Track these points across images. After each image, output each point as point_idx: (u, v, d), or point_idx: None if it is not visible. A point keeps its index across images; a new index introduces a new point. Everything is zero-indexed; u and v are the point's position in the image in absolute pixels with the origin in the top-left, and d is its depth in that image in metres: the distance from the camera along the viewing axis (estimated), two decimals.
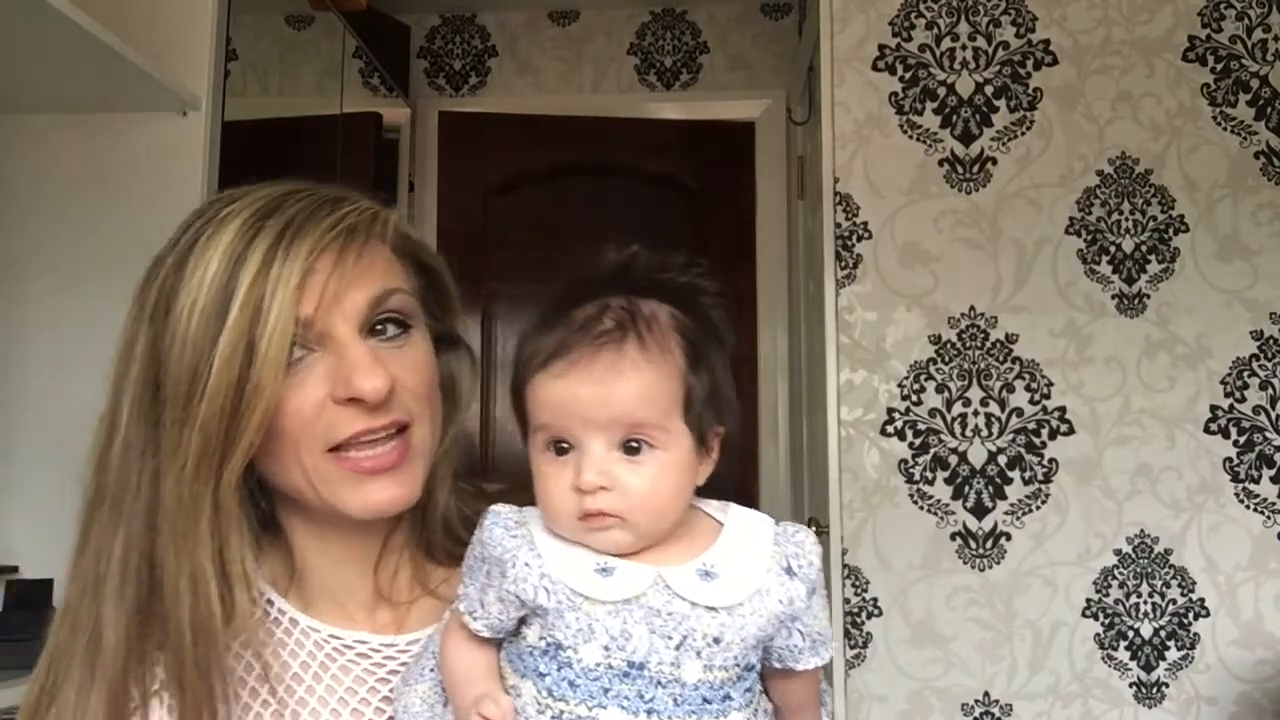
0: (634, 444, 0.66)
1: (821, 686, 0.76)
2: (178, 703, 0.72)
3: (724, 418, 0.70)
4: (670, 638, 0.64)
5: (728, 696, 0.65)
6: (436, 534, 0.83)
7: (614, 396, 0.65)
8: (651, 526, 0.67)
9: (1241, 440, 2.14)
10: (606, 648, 0.64)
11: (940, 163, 2.25)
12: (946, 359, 2.20)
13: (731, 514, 0.71)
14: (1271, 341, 2.16)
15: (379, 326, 0.75)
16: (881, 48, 2.29)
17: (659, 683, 0.64)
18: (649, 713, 0.63)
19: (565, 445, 0.67)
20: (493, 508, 0.70)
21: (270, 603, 0.79)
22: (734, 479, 0.75)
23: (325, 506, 0.75)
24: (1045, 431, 2.17)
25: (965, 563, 2.15)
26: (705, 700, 0.64)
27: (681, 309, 0.69)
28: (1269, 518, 2.13)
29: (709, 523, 0.71)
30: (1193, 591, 2.12)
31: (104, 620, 0.72)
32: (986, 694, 2.12)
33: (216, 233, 0.72)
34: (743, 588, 0.66)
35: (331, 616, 0.80)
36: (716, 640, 0.65)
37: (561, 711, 0.64)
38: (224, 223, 0.72)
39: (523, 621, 0.68)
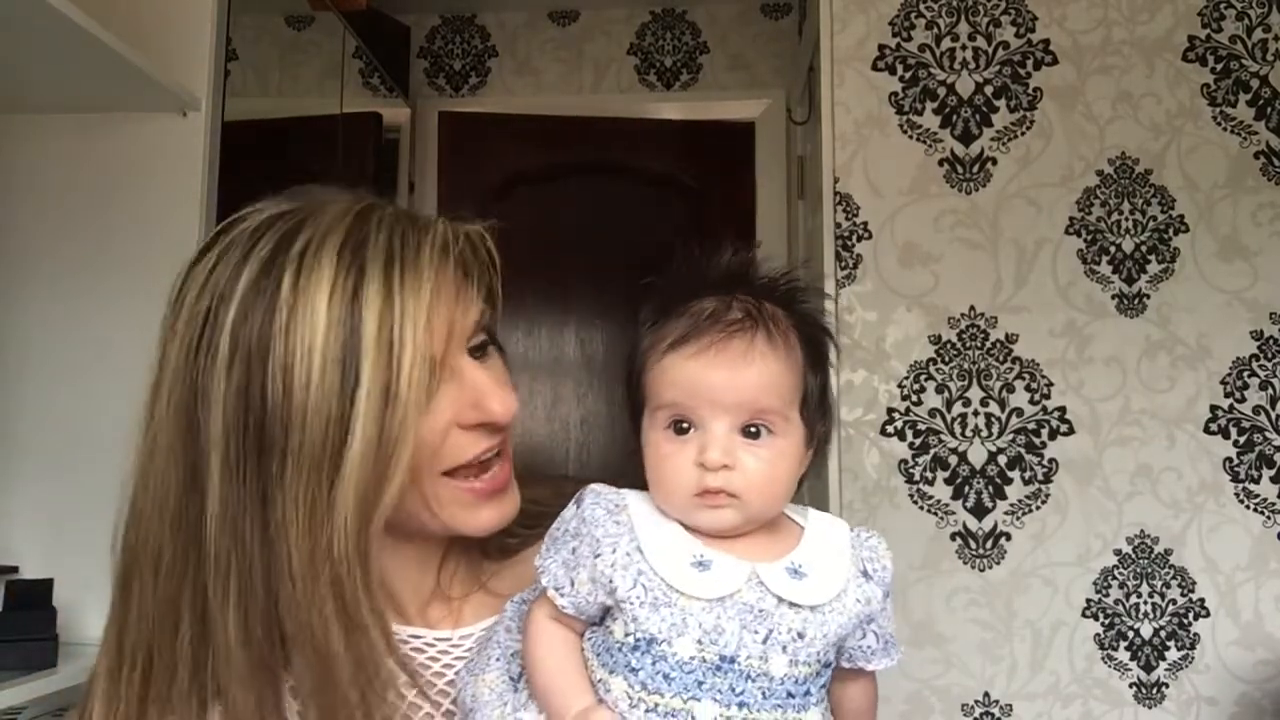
0: (754, 429, 0.69)
1: None
2: None
3: (828, 420, 0.75)
4: (758, 632, 0.66)
5: (808, 692, 0.68)
6: None
7: (744, 381, 0.68)
8: (762, 509, 0.70)
9: (1241, 440, 2.14)
10: (700, 641, 0.65)
11: (940, 163, 2.25)
12: (946, 359, 2.20)
13: (811, 517, 0.74)
14: (1271, 341, 2.16)
15: (479, 346, 0.76)
16: (881, 48, 2.29)
17: (749, 676, 0.65)
18: (740, 705, 0.65)
19: (686, 425, 0.70)
20: (592, 486, 0.72)
21: None
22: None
23: (443, 528, 0.76)
24: (1045, 431, 2.17)
25: (965, 563, 2.15)
26: (789, 694, 0.67)
27: (795, 314, 0.73)
28: (1269, 518, 2.12)
29: (790, 523, 0.74)
30: (1193, 592, 2.12)
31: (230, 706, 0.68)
32: (986, 694, 2.12)
33: (312, 270, 0.67)
34: (829, 587, 0.69)
35: (401, 620, 0.80)
36: (800, 635, 0.67)
37: (656, 704, 0.65)
38: (316, 258, 0.68)
39: (606, 613, 0.69)
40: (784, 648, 0.66)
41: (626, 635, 0.67)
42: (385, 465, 0.67)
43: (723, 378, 0.68)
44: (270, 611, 0.67)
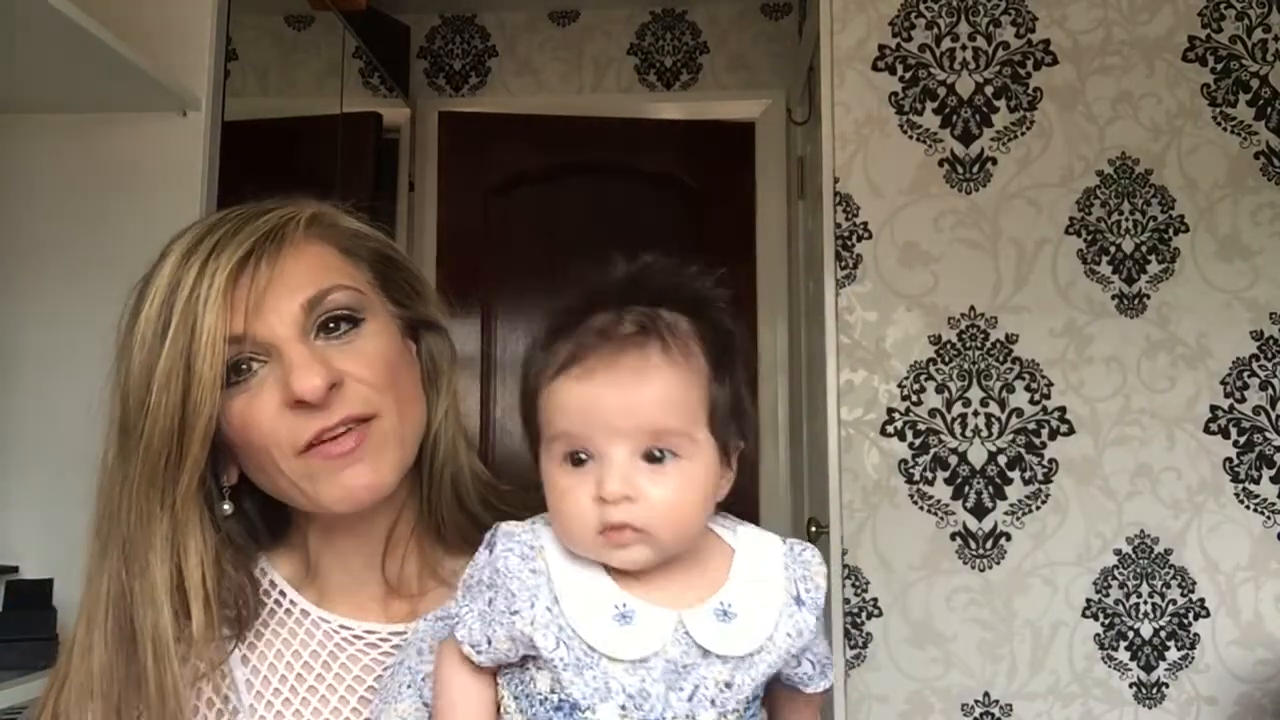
0: (658, 453, 0.63)
1: None
2: None
3: (745, 431, 0.68)
4: (683, 689, 0.62)
5: None
6: (446, 518, 0.84)
7: (639, 400, 0.63)
8: (673, 542, 0.64)
9: (1241, 440, 2.14)
10: (624, 707, 0.61)
11: (940, 163, 2.25)
12: (946, 359, 2.20)
13: (740, 535, 0.69)
14: (1271, 341, 2.16)
15: (331, 325, 0.76)
16: (881, 48, 2.29)
17: None
18: None
19: (583, 456, 0.64)
20: (503, 528, 0.67)
21: (284, 594, 0.82)
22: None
23: (313, 505, 0.77)
24: (1045, 432, 2.17)
25: (965, 563, 2.15)
26: None
27: (697, 319, 0.66)
28: (1269, 518, 2.12)
29: (719, 545, 0.68)
30: (1193, 592, 2.12)
31: (92, 667, 0.74)
32: (986, 694, 2.12)
33: (160, 265, 0.76)
34: (759, 630, 0.64)
35: (345, 609, 0.81)
36: (728, 685, 0.63)
37: None
38: (167, 256, 0.76)
39: (528, 657, 0.65)
40: (711, 701, 0.62)
41: (551, 693, 0.63)
42: (182, 435, 0.73)
43: (615, 400, 0.62)
44: (117, 567, 0.75)
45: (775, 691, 0.69)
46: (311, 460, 0.74)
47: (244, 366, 0.74)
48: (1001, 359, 2.20)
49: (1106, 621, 2.12)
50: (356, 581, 0.82)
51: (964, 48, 2.29)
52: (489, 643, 0.64)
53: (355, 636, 0.80)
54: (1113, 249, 2.21)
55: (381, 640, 0.80)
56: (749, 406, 0.68)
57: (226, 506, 0.79)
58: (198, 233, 0.77)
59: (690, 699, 0.62)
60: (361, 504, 0.76)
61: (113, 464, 0.77)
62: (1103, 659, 2.11)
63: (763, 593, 0.66)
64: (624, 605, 0.63)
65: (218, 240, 0.75)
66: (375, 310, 0.79)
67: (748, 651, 0.63)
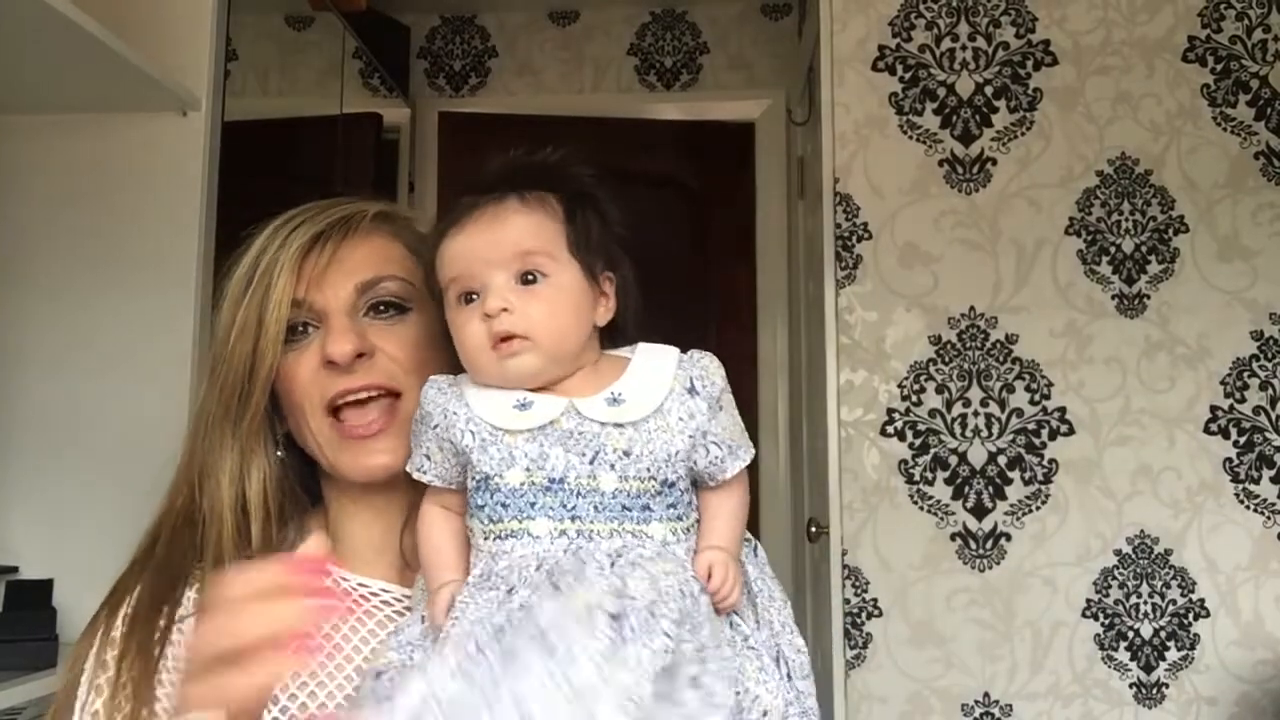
0: (529, 276, 0.75)
1: (762, 559, 0.82)
2: None
3: (614, 265, 0.79)
4: (584, 454, 0.71)
5: (647, 507, 0.72)
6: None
7: (502, 234, 0.75)
8: (556, 347, 0.74)
9: (1241, 440, 2.14)
10: (528, 469, 0.71)
11: (940, 163, 2.25)
12: (946, 359, 2.20)
13: (639, 349, 0.79)
14: (1271, 341, 2.16)
15: (381, 308, 0.88)
16: (881, 48, 2.29)
17: (579, 493, 0.71)
18: (573, 518, 0.71)
19: (473, 295, 0.76)
20: (431, 377, 0.79)
21: None
22: (642, 320, 0.83)
23: (331, 469, 0.86)
24: (1045, 432, 2.17)
25: (965, 563, 2.15)
26: (625, 508, 0.71)
27: (557, 189, 0.78)
28: (1269, 518, 2.13)
29: (619, 361, 0.78)
30: (1193, 592, 2.12)
31: (161, 531, 0.87)
32: (986, 694, 2.12)
33: (254, 237, 0.89)
34: (646, 406, 0.73)
35: (363, 571, 0.88)
36: (626, 454, 0.72)
37: (499, 531, 0.71)
38: (262, 229, 0.89)
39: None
40: (611, 465, 0.71)
41: (472, 480, 0.73)
42: (250, 379, 0.85)
43: (483, 238, 0.75)
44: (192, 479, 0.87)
45: (704, 494, 0.77)
46: (336, 430, 0.85)
47: (299, 328, 0.86)
48: (1001, 359, 2.20)
49: (1106, 622, 2.12)
50: (374, 548, 0.88)
51: (964, 48, 2.29)
52: (427, 459, 0.76)
53: (371, 594, 0.86)
54: (1113, 249, 2.21)
55: (395, 599, 0.86)
56: (616, 251, 0.80)
57: (279, 452, 0.89)
58: (289, 215, 0.89)
59: (592, 462, 0.71)
60: (375, 478, 0.85)
61: (204, 395, 0.88)
62: (1103, 659, 2.11)
63: (653, 383, 0.75)
64: (524, 399, 0.74)
65: (300, 221, 0.88)
66: (423, 304, 0.88)
67: (636, 418, 0.73)
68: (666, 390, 0.74)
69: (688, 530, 0.74)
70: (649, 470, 0.72)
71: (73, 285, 1.77)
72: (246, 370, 0.85)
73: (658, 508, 0.72)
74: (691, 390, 0.74)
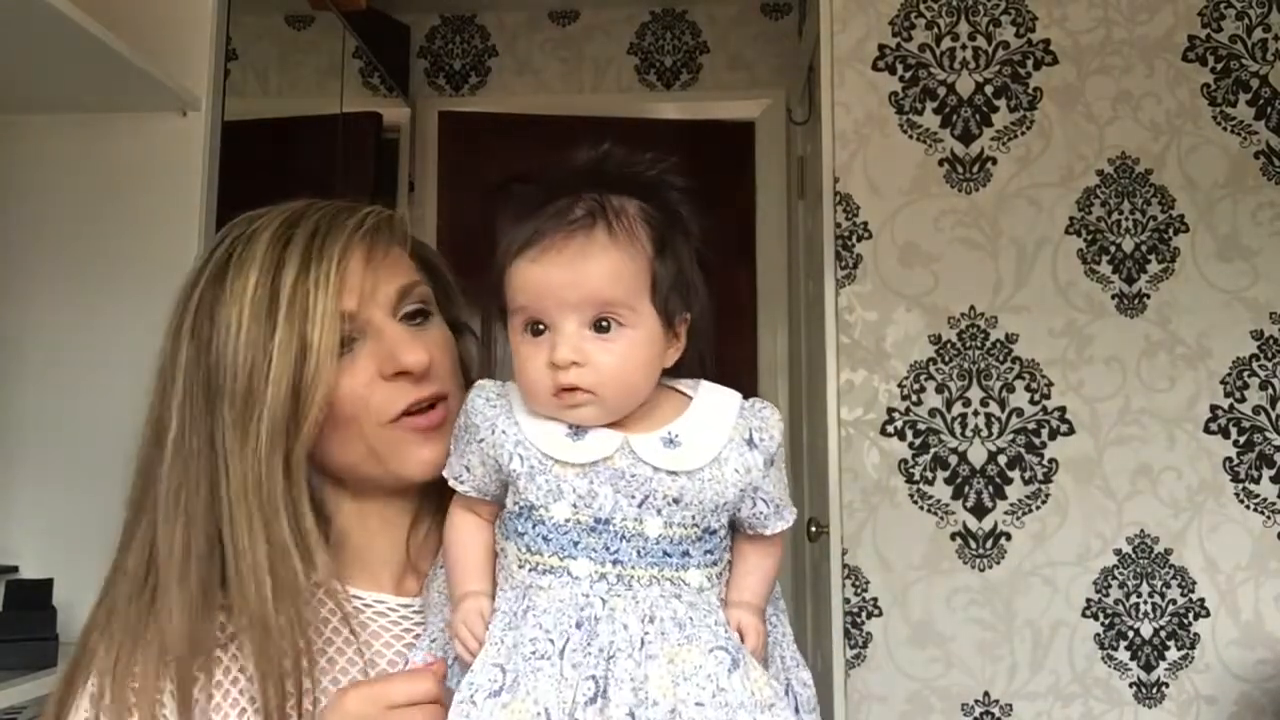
0: (604, 322, 0.71)
1: (775, 593, 0.81)
2: (260, 675, 0.77)
3: (690, 304, 0.75)
4: (633, 497, 0.70)
5: (686, 553, 0.71)
6: None
7: (584, 277, 0.70)
8: (620, 402, 0.72)
9: (1241, 440, 2.14)
10: (575, 505, 0.70)
11: (940, 163, 2.25)
12: (946, 359, 2.20)
13: (701, 389, 0.76)
14: (1271, 341, 2.16)
15: (412, 314, 0.85)
16: (881, 48, 2.29)
17: (623, 536, 0.70)
18: (614, 562, 0.69)
19: (541, 326, 0.72)
20: (478, 382, 0.77)
21: None
22: (711, 367, 0.79)
23: (388, 474, 0.83)
24: (1045, 431, 2.17)
25: (965, 563, 2.15)
26: (666, 554, 0.70)
27: (650, 202, 0.74)
28: (1269, 518, 2.13)
29: (679, 398, 0.75)
30: (1193, 591, 2.12)
31: (166, 607, 0.78)
32: (986, 694, 2.12)
33: (248, 247, 0.81)
34: (703, 455, 0.71)
35: (360, 582, 0.86)
36: (676, 500, 0.70)
37: (538, 564, 0.70)
38: (253, 237, 0.82)
39: (506, 491, 0.73)
40: (659, 511, 0.70)
41: (514, 504, 0.72)
42: (300, 401, 0.78)
43: (563, 276, 0.70)
44: (210, 530, 0.78)
45: (739, 540, 0.76)
46: (397, 430, 0.82)
47: (343, 343, 0.81)
48: (1001, 359, 2.20)
49: (1106, 621, 2.12)
50: (379, 557, 0.88)
51: (964, 47, 2.29)
52: (467, 470, 0.74)
53: (365, 605, 0.85)
54: (1113, 249, 2.21)
55: (389, 610, 0.85)
56: (695, 279, 0.76)
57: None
58: (284, 219, 0.83)
59: (640, 505, 0.70)
60: (430, 475, 0.83)
61: (183, 435, 0.80)
62: (1103, 659, 2.11)
63: (712, 429, 0.73)
64: (576, 429, 0.72)
65: (318, 225, 0.82)
66: (435, 308, 0.88)
67: (693, 467, 0.71)
68: (725, 440, 0.72)
69: (720, 575, 0.74)
70: (694, 519, 0.71)
71: (73, 285, 1.77)
72: (293, 391, 0.78)
73: (696, 554, 0.71)
74: (750, 443, 0.73)
